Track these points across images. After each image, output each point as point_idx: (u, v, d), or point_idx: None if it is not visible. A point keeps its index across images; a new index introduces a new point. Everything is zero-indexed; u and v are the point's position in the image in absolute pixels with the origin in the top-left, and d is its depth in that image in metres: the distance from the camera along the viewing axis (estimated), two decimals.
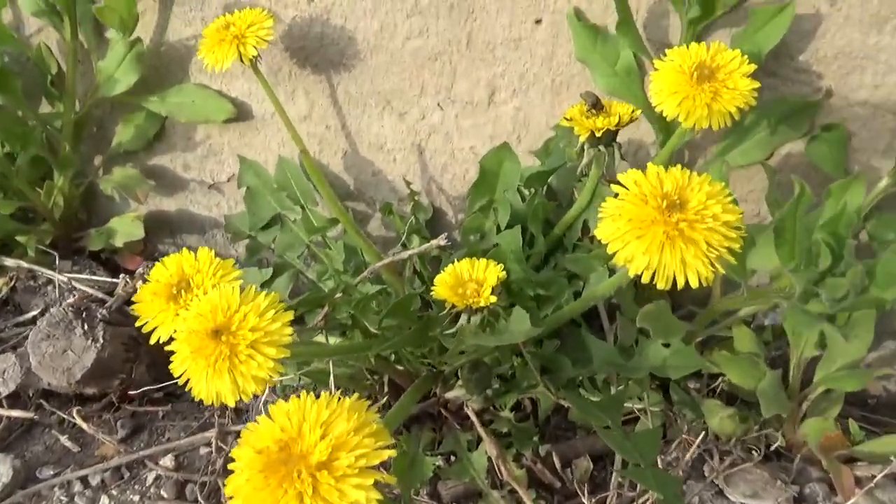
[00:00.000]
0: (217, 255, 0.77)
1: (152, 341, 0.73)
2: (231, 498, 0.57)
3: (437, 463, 0.85)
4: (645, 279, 0.58)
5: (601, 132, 0.80)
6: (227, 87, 1.20)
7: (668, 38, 0.94)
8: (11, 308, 1.32)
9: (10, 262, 1.25)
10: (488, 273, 0.78)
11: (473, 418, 0.85)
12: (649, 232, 0.58)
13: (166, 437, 1.06)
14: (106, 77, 1.19)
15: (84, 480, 0.99)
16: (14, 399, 1.12)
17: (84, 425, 1.07)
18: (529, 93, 1.04)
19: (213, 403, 0.67)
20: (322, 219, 1.12)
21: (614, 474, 0.89)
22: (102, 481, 0.99)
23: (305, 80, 1.15)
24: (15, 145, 1.23)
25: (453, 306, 0.77)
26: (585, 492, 0.89)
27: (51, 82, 1.27)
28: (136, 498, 0.96)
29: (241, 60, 0.99)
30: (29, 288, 1.33)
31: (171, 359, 0.67)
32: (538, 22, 0.99)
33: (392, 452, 0.57)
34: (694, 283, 0.57)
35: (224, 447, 0.99)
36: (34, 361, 1.08)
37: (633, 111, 0.82)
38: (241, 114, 1.21)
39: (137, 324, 0.75)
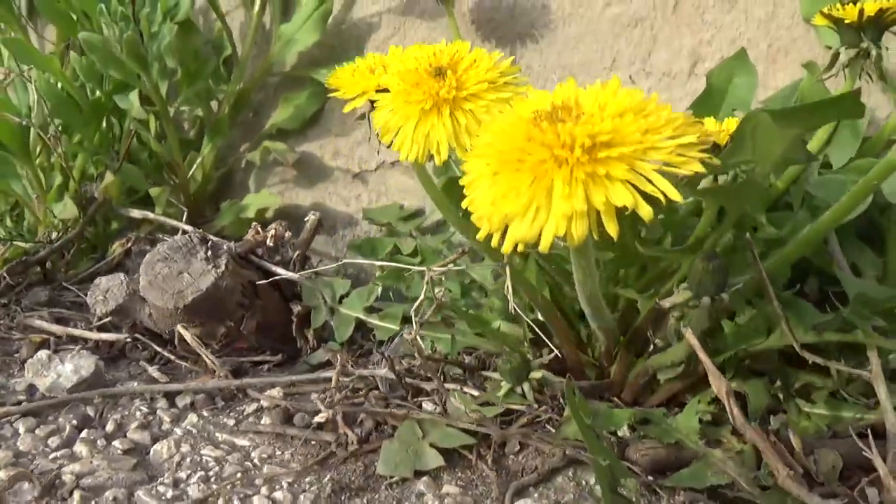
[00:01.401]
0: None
1: (346, 109, 0.60)
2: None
3: None
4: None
5: (872, 15, 0.69)
6: None
7: None
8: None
9: (136, 212, 1.17)
10: None
11: (694, 342, 0.65)
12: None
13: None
14: (285, 42, 1.19)
15: (170, 398, 0.80)
16: (106, 331, 0.97)
17: (175, 359, 0.90)
18: None
19: (416, 159, 0.52)
20: None
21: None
22: (192, 403, 0.80)
23: None
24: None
25: None
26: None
27: (223, 61, 1.28)
28: (231, 422, 0.76)
29: None
30: (143, 253, 1.23)
31: (375, 106, 0.55)
32: None
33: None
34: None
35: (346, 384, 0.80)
36: (144, 281, 0.95)
37: None
38: None
39: (332, 91, 0.62)
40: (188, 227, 1.07)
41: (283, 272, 0.99)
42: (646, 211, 0.40)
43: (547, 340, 0.79)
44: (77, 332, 0.95)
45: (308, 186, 1.29)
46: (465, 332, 0.88)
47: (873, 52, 0.71)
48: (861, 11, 0.70)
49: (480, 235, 0.45)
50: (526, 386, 0.76)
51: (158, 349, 0.92)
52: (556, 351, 0.79)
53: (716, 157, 0.57)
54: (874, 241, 0.82)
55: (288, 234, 1.07)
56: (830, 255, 0.76)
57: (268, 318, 1.02)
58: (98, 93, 1.18)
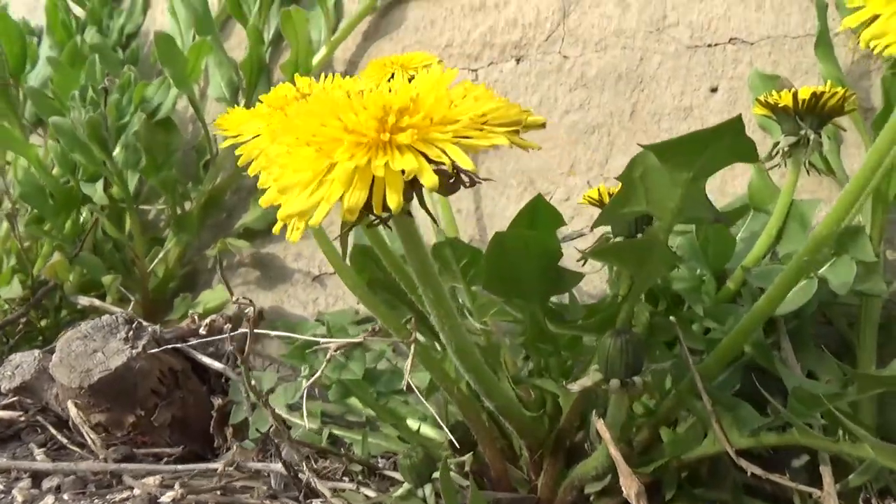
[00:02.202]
0: None
1: (251, 172, 0.54)
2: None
3: None
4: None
5: (811, 103, 0.66)
6: None
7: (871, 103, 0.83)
8: None
9: (84, 299, 1.14)
10: None
11: (603, 432, 0.55)
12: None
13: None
14: None
15: (38, 479, 0.72)
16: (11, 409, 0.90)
17: (69, 444, 0.82)
18: None
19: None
20: None
21: None
22: (58, 486, 0.71)
23: None
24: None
25: None
26: None
27: (203, 165, 1.30)
28: None
29: None
30: None
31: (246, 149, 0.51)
32: (714, 90, 0.92)
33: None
34: None
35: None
36: (56, 358, 0.89)
37: (849, 95, 0.68)
38: None
39: (222, 138, 0.58)
40: (116, 309, 1.03)
41: (206, 360, 0.93)
42: (430, 178, 0.35)
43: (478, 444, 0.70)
44: None
45: (268, 288, 1.25)
46: (383, 434, 0.79)
47: (812, 140, 0.67)
48: (795, 95, 0.67)
49: (275, 229, 0.40)
50: (428, 488, 0.66)
51: (54, 432, 0.85)
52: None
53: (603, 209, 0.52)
54: (843, 357, 0.73)
55: (227, 325, 1.02)
56: (780, 358, 0.67)
57: (187, 413, 0.94)
58: (70, 181, 1.19)
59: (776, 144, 0.70)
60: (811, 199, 0.74)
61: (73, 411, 0.81)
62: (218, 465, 0.72)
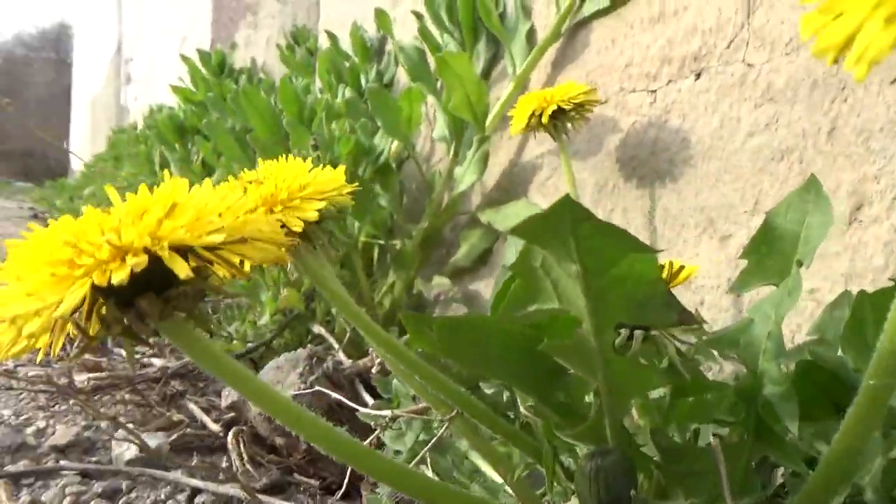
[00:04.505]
0: None
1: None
2: None
3: None
4: None
5: None
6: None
7: None
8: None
9: (316, 328, 1.30)
10: None
11: None
12: None
13: None
14: (457, 183, 1.23)
15: (194, 494, 0.84)
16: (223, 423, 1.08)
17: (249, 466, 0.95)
18: None
19: None
20: None
21: None
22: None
23: (628, 195, 0.97)
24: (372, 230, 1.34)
25: None
26: None
27: (429, 201, 1.37)
28: None
29: (542, 125, 0.90)
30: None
31: None
32: None
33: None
34: None
35: None
36: None
37: None
38: None
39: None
40: (333, 341, 1.15)
41: (360, 405, 0.98)
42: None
43: None
44: (200, 415, 1.08)
45: None
46: None
47: None
48: None
49: None
50: None
51: (241, 452, 0.98)
52: None
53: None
54: None
55: None
56: None
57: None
58: None
59: None
60: None
61: (231, 438, 0.94)
62: None
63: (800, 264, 0.54)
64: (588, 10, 1.05)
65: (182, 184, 0.34)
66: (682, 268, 0.50)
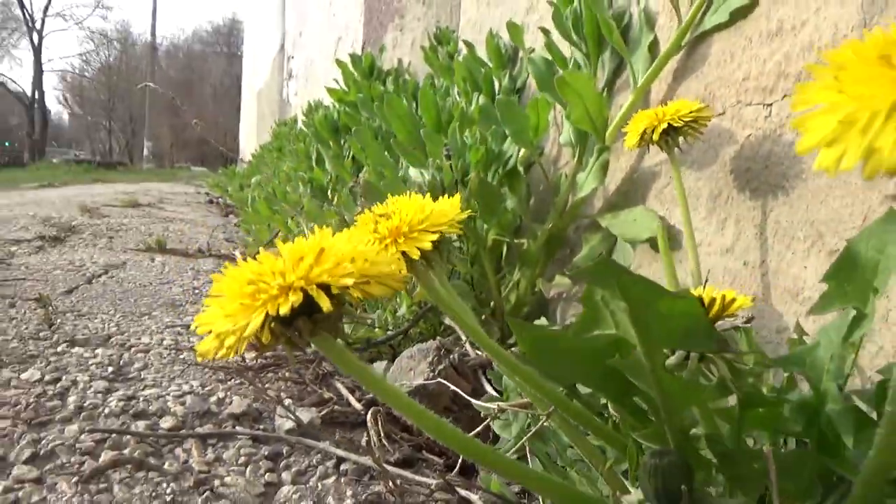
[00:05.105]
0: None
1: None
2: None
3: None
4: None
5: None
6: (669, 213, 1.15)
7: None
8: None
9: (447, 319, 1.42)
10: None
11: None
12: None
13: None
14: (578, 188, 1.30)
15: (339, 462, 1.00)
16: (366, 405, 1.24)
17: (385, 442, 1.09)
18: None
19: None
20: None
21: None
22: (346, 471, 0.98)
23: (740, 206, 1.00)
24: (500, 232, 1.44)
25: None
26: None
27: (554, 204, 1.45)
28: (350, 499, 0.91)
29: (654, 140, 0.95)
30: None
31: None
32: None
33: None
34: None
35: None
36: (395, 366, 1.18)
37: None
38: (673, 242, 1.12)
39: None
40: (435, 342, 1.27)
41: (482, 393, 1.09)
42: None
43: None
44: (346, 394, 1.24)
45: None
46: None
47: None
48: None
49: None
50: None
51: (378, 429, 1.13)
52: None
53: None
54: None
55: None
56: None
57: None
58: None
59: None
60: None
61: (369, 419, 1.09)
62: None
63: (876, 291, 0.57)
64: (709, 23, 1.07)
65: (326, 234, 0.47)
66: (733, 300, 0.55)
